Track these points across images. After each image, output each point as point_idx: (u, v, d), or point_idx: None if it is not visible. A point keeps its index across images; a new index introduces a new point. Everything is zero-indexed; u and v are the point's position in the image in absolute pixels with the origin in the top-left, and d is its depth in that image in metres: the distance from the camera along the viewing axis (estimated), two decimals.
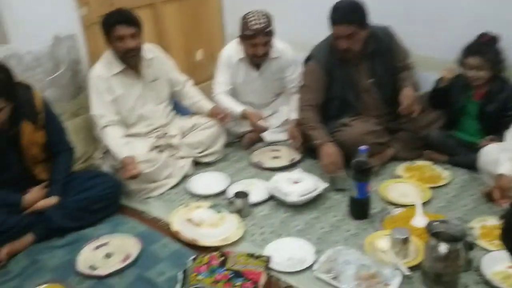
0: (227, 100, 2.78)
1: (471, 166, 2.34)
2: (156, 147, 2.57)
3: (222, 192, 2.40)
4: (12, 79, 1.92)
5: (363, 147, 1.99)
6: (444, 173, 2.39)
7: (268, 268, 1.81)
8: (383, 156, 2.48)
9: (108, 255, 1.99)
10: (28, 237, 2.07)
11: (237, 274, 1.76)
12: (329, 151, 2.31)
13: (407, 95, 2.41)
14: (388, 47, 2.51)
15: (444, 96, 2.51)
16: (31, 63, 2.44)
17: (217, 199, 2.37)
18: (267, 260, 1.84)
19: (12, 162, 2.08)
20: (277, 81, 2.88)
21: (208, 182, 2.50)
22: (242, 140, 2.88)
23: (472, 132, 2.47)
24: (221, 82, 2.81)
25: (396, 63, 2.56)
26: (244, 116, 2.73)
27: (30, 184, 2.15)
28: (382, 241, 1.88)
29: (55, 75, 2.56)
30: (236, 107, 2.74)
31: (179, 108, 2.84)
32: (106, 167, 2.53)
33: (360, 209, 2.09)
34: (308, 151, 2.62)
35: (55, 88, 2.61)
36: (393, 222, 2.01)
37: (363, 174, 1.99)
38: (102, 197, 2.22)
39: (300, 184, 2.24)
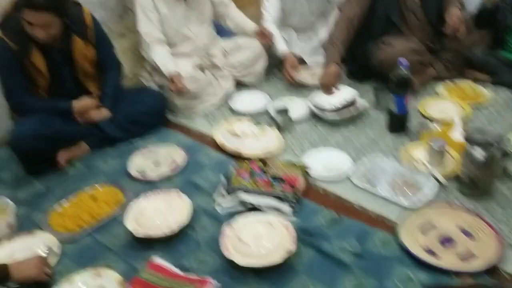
0: (274, 31, 2.73)
1: None
2: (199, 66, 2.64)
3: (263, 109, 2.47)
4: None
5: (402, 60, 1.98)
6: (486, 92, 2.36)
7: (306, 175, 1.90)
8: (424, 75, 2.46)
9: (156, 163, 2.13)
10: (83, 145, 2.25)
11: (277, 179, 1.86)
12: (329, 70, 2.38)
13: (453, 15, 2.34)
14: None
15: (490, 16, 2.42)
16: None
17: (258, 115, 2.45)
18: (305, 167, 1.93)
19: (67, 76, 2.21)
20: (323, 2, 2.84)
21: (250, 100, 2.58)
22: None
23: None
24: (270, 7, 2.76)
25: None
26: (282, 58, 2.70)
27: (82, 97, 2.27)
28: (418, 151, 1.93)
29: None
30: (279, 45, 2.71)
31: (221, 29, 2.87)
32: (152, 86, 2.64)
33: (398, 123, 2.12)
34: (350, 73, 2.64)
35: (103, 9, 2.69)
36: (430, 136, 2.04)
37: (402, 87, 2.00)
38: (150, 110, 2.36)
39: (338, 97, 2.30)
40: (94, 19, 2.24)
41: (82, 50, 2.18)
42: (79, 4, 2.19)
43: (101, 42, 2.28)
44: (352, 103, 2.26)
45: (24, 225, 1.84)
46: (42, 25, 1.94)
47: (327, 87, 2.36)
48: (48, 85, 2.16)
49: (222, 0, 2.74)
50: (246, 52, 2.71)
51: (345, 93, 2.33)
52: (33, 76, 2.12)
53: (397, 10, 2.48)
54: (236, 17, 2.78)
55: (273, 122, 2.32)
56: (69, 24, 2.09)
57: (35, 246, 1.67)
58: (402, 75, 1.98)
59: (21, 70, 2.07)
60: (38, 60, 2.07)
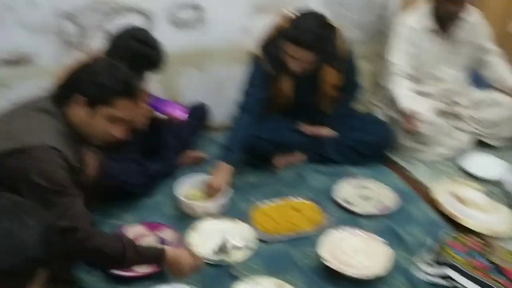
0: None
1: None
2: (440, 111, 2.44)
3: (498, 180, 2.15)
4: (329, 36, 2.00)
5: None
6: None
7: None
8: None
9: (364, 197, 2.05)
10: (300, 155, 2.31)
11: (498, 270, 1.59)
12: None
13: None
14: None
15: None
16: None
17: (490, 185, 2.15)
18: None
19: (309, 101, 2.25)
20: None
21: (486, 164, 2.29)
22: None
23: None
24: None
25: None
26: None
27: (314, 114, 2.31)
28: None
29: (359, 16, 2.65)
30: None
31: (477, 79, 2.60)
32: (380, 116, 2.55)
33: None
34: None
35: (359, 29, 2.70)
36: None
37: None
38: (374, 143, 2.29)
39: None
40: (349, 49, 2.19)
41: (330, 78, 2.17)
42: (334, 29, 2.06)
43: (350, 71, 2.25)
44: None
45: (229, 208, 1.96)
46: (301, 60, 1.98)
47: None
48: (287, 103, 2.23)
49: (489, 48, 2.47)
50: (498, 109, 2.43)
51: None
52: (275, 95, 2.18)
53: None
54: (498, 69, 2.48)
55: (507, 198, 2.00)
56: (324, 55, 2.05)
57: (233, 233, 1.77)
58: None
59: (265, 90, 2.12)
60: (286, 85, 2.14)
